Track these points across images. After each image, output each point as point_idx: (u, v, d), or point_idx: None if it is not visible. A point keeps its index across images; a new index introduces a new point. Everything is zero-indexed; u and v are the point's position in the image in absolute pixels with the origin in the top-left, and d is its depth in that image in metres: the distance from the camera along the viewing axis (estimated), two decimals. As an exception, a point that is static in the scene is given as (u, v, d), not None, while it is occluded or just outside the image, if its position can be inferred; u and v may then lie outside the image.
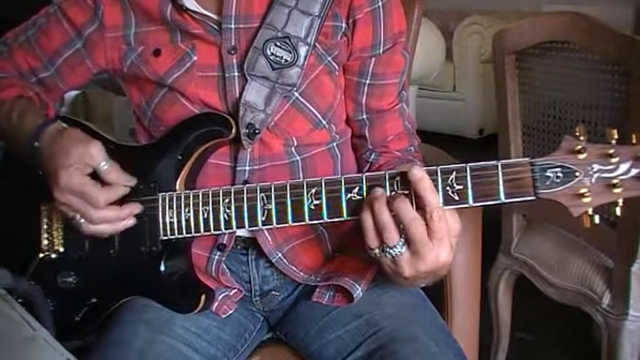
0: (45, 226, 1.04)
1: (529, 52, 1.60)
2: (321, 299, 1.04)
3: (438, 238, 0.78)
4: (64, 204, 0.93)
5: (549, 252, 1.64)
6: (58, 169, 0.92)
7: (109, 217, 0.93)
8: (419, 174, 0.79)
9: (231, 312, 1.05)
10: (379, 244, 0.81)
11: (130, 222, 0.95)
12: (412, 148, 1.11)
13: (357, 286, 1.00)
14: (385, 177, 0.83)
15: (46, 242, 1.04)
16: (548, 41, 1.54)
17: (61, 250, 1.03)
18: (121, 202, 0.95)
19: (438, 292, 1.16)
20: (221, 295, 1.05)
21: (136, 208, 0.95)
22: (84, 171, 0.92)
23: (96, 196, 0.91)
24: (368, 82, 1.06)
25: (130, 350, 0.93)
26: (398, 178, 0.83)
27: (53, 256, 1.04)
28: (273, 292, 1.09)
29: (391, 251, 0.80)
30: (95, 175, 0.93)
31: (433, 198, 0.78)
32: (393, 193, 0.82)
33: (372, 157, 1.10)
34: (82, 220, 0.93)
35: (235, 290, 1.07)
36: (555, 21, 1.53)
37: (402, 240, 0.79)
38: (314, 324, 1.03)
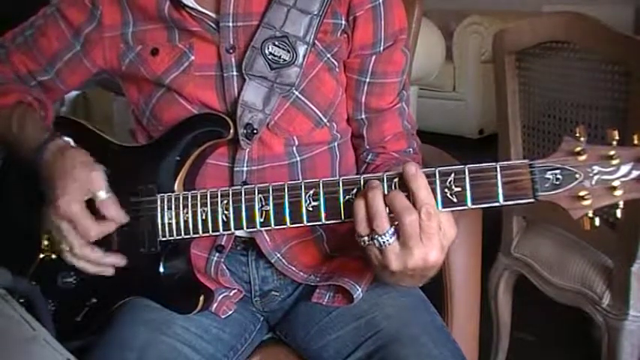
0: (45, 227, 1.04)
1: (529, 52, 1.60)
2: (321, 300, 1.04)
3: (428, 237, 0.77)
4: (56, 227, 0.93)
5: (549, 252, 1.64)
6: (58, 192, 0.92)
7: (90, 257, 0.94)
8: (413, 170, 0.79)
9: (231, 312, 1.05)
10: (369, 232, 0.80)
11: (109, 272, 0.96)
12: (411, 149, 1.10)
13: (357, 287, 1.00)
14: (383, 178, 0.83)
15: (46, 243, 1.04)
16: (548, 41, 1.54)
17: (62, 250, 1.03)
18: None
19: (438, 292, 1.16)
20: (221, 296, 1.05)
21: (119, 260, 0.96)
22: (83, 198, 0.92)
23: (88, 228, 0.91)
24: (368, 80, 1.05)
25: (130, 350, 0.93)
26: (396, 180, 0.82)
27: (53, 256, 1.03)
28: (273, 293, 1.09)
29: (380, 239, 0.79)
30: (90, 202, 0.93)
31: (425, 194, 0.78)
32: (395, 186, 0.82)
33: (370, 157, 1.09)
34: (67, 249, 0.94)
35: (235, 291, 1.07)
36: (555, 21, 1.53)
37: (392, 230, 0.79)
38: (314, 324, 1.03)
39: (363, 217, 0.80)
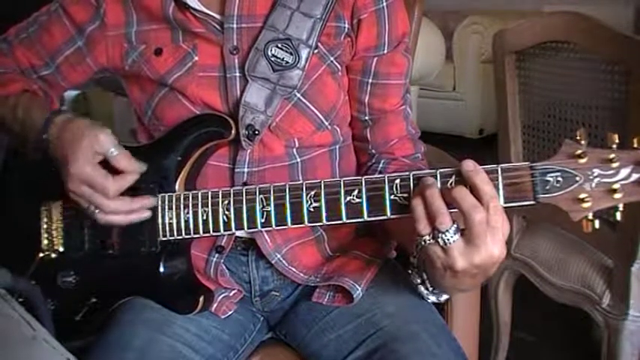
0: (45, 226, 1.04)
1: (529, 52, 1.60)
2: (321, 300, 1.04)
3: (494, 232, 0.76)
4: (77, 194, 0.93)
5: (549, 252, 1.64)
6: (68, 159, 0.92)
7: (120, 208, 0.93)
8: (471, 166, 0.78)
9: (230, 312, 1.05)
10: (430, 230, 0.78)
11: (145, 215, 0.95)
12: (419, 154, 1.09)
13: (357, 287, 1.00)
14: (385, 180, 0.83)
15: (45, 242, 1.04)
16: (548, 41, 1.54)
17: (61, 250, 1.03)
18: (134, 193, 0.94)
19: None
20: (220, 296, 1.05)
21: (148, 201, 0.95)
22: (94, 160, 0.92)
23: (106, 186, 0.91)
24: (371, 81, 1.05)
25: (130, 350, 0.93)
26: (398, 182, 0.82)
27: (53, 256, 1.03)
28: (273, 293, 1.09)
29: (443, 236, 0.77)
30: (107, 163, 0.93)
31: (489, 188, 0.77)
32: (393, 197, 0.82)
33: (381, 165, 1.07)
34: (97, 210, 0.93)
35: (235, 291, 1.07)
36: (555, 21, 1.53)
37: (455, 226, 0.77)
38: (314, 324, 1.03)
39: (423, 215, 0.79)
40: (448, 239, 0.77)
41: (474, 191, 0.77)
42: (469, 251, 0.77)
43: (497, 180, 0.79)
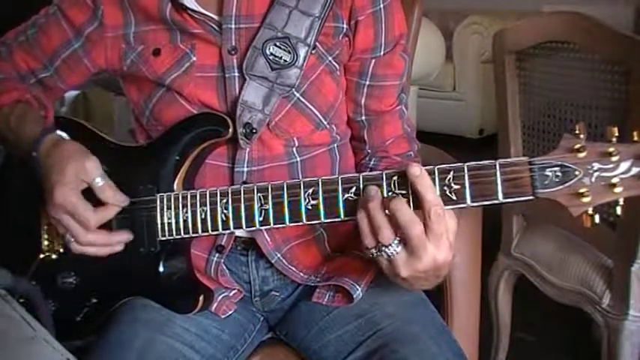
0: (45, 227, 1.04)
1: (529, 52, 1.60)
2: (321, 299, 1.04)
3: (436, 238, 0.77)
4: (57, 220, 0.94)
5: (549, 252, 1.64)
6: (53, 185, 0.92)
7: (96, 241, 0.94)
8: (417, 171, 0.78)
9: (230, 312, 1.05)
10: (375, 243, 0.80)
11: (118, 248, 0.96)
12: (412, 152, 1.10)
13: (357, 287, 1.00)
14: (382, 177, 0.83)
15: (46, 243, 1.04)
16: (548, 41, 1.54)
17: (62, 250, 1.03)
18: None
19: (438, 292, 1.16)
20: (220, 296, 1.05)
21: (126, 236, 0.96)
22: (78, 188, 0.93)
23: (87, 218, 0.92)
24: (367, 82, 1.06)
25: (130, 350, 0.93)
26: (395, 178, 0.82)
27: (53, 256, 1.04)
28: (273, 293, 1.09)
29: (387, 250, 0.79)
30: (90, 191, 0.93)
31: (432, 196, 0.77)
32: (390, 193, 0.82)
33: (373, 162, 1.09)
34: (72, 239, 0.94)
35: (235, 291, 1.07)
36: (555, 21, 1.53)
37: (397, 239, 0.79)
38: (314, 324, 1.03)
39: (368, 230, 0.80)
40: (392, 253, 0.79)
41: (416, 197, 0.78)
42: (412, 261, 0.79)
43: (496, 175, 0.78)
